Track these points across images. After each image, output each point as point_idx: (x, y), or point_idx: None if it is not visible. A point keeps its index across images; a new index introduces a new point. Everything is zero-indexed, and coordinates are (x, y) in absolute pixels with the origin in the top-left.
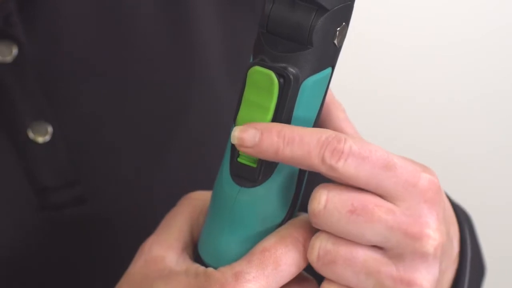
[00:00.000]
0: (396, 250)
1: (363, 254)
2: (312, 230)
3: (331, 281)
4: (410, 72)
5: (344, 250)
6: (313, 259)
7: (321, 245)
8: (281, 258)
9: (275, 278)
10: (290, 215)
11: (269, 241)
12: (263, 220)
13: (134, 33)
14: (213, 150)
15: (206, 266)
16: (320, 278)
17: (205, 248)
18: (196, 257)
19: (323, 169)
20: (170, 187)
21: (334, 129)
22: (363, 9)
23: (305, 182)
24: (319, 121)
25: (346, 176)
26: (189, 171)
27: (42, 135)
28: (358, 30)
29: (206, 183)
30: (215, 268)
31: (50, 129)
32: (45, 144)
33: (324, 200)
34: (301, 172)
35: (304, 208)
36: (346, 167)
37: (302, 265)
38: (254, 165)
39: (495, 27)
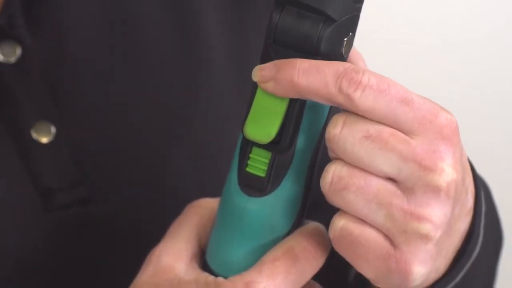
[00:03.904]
0: (409, 182)
1: (376, 184)
2: (321, 239)
3: (343, 213)
4: (409, 73)
5: (358, 177)
6: (326, 184)
7: (335, 170)
8: (291, 267)
9: None
10: (298, 224)
11: (279, 251)
12: (272, 229)
13: (139, 34)
14: (219, 151)
15: (215, 275)
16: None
17: (214, 258)
18: (204, 266)
19: (340, 99)
20: (175, 187)
21: None
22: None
23: (311, 190)
24: None
25: (363, 108)
26: (194, 172)
27: (45, 136)
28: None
29: (212, 184)
30: (225, 277)
31: (53, 129)
32: (49, 144)
33: (340, 124)
34: (308, 180)
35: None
36: (363, 98)
37: (312, 273)
38: (263, 175)
39: (495, 27)
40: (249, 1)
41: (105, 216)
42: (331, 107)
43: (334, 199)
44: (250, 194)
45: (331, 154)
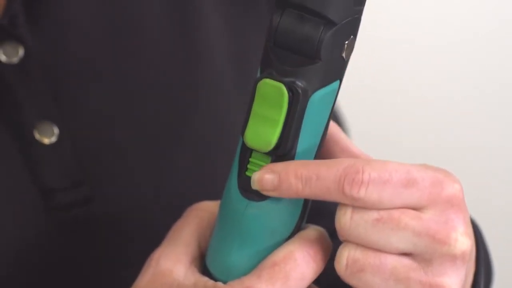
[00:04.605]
0: (425, 255)
1: (392, 261)
2: (321, 243)
3: None
4: (409, 73)
5: (373, 258)
6: (341, 268)
7: (349, 254)
8: (291, 272)
9: None
10: (298, 228)
11: (278, 255)
12: (271, 234)
13: (140, 34)
14: (219, 151)
15: (215, 279)
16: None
17: (213, 262)
18: (204, 270)
19: (346, 201)
20: (177, 187)
21: (342, 149)
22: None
23: None
24: (325, 142)
25: (370, 203)
26: (195, 172)
27: (48, 136)
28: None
29: (213, 184)
30: (224, 282)
31: (56, 130)
32: (51, 145)
33: (350, 211)
34: None
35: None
36: (369, 195)
37: (312, 278)
38: None
39: (495, 27)
40: (249, 1)
41: (106, 216)
42: (332, 108)
43: (351, 281)
44: (249, 199)
45: (341, 238)
